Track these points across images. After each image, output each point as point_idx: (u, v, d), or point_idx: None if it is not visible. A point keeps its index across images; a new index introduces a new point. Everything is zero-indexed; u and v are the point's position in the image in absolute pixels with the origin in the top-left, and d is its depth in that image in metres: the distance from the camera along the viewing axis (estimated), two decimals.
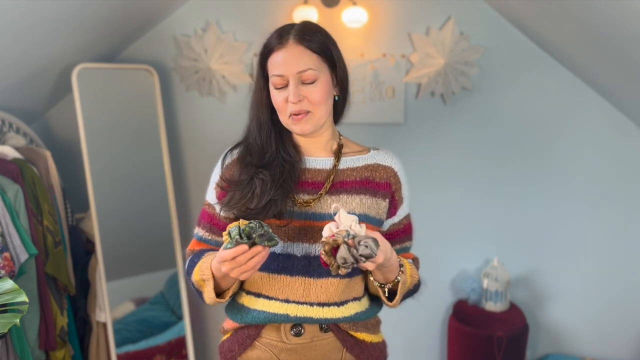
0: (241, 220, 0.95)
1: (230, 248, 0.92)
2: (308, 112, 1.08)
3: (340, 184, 1.13)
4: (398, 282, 1.08)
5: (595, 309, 2.41)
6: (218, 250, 1.19)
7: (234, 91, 2.33)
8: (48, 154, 1.93)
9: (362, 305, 1.16)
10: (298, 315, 1.09)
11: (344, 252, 0.89)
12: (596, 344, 2.43)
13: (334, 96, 1.15)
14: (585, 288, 2.40)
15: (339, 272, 0.91)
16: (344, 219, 0.94)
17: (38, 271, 1.71)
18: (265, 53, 1.11)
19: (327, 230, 0.94)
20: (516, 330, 2.15)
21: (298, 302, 1.09)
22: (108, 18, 1.93)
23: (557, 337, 2.46)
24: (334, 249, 0.91)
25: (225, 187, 1.13)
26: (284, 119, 1.11)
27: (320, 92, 1.08)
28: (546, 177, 2.34)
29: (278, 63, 1.08)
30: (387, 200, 1.15)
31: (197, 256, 1.17)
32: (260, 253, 0.94)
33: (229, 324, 1.19)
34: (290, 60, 1.07)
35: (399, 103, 2.30)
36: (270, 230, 0.95)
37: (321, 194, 1.11)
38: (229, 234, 0.93)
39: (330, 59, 1.11)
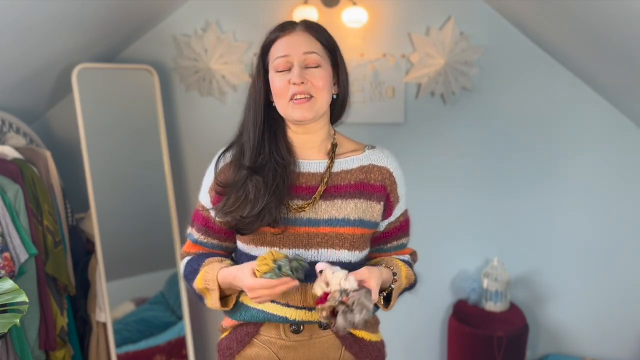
0: (274, 251, 0.99)
1: (271, 278, 0.97)
2: (311, 97, 1.06)
3: (334, 188, 1.11)
4: (392, 289, 1.09)
5: (595, 309, 2.41)
6: (214, 252, 1.20)
7: (234, 91, 2.33)
8: (48, 154, 1.92)
9: None
10: (297, 319, 1.10)
11: (342, 322, 0.92)
12: (596, 344, 2.43)
13: (332, 94, 1.13)
14: (585, 288, 2.40)
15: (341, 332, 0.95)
16: (331, 277, 0.96)
17: (38, 271, 1.71)
18: (268, 43, 1.11)
19: (319, 289, 0.97)
20: (516, 330, 2.15)
21: (297, 307, 1.09)
22: (108, 18, 1.93)
23: (557, 337, 2.46)
24: (332, 311, 0.94)
25: (220, 191, 1.11)
26: (283, 103, 1.08)
27: (324, 78, 1.07)
28: (546, 177, 2.34)
29: (283, 46, 1.07)
30: (381, 203, 1.14)
31: (196, 261, 1.17)
32: (289, 283, 0.98)
33: (227, 322, 1.19)
34: (297, 42, 1.07)
35: (399, 103, 2.30)
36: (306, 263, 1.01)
37: (315, 199, 1.10)
38: (280, 267, 0.96)
39: (333, 54, 1.12)
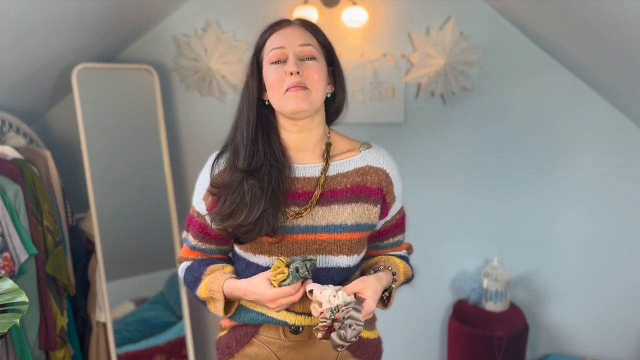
0: (282, 258, 1.01)
1: (291, 283, 0.98)
2: (306, 88, 1.03)
3: (331, 192, 1.09)
4: (392, 289, 1.10)
5: (595, 309, 2.41)
6: (213, 258, 1.20)
7: (233, 91, 2.33)
8: (48, 154, 1.92)
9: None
10: (297, 324, 1.10)
11: (337, 340, 0.93)
12: (596, 344, 2.43)
13: (327, 94, 1.11)
14: (585, 288, 2.40)
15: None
16: (320, 297, 0.97)
17: (38, 271, 1.71)
18: (263, 39, 1.10)
19: (314, 311, 0.99)
20: (516, 330, 2.15)
21: (297, 313, 1.09)
22: (108, 18, 1.93)
23: (557, 337, 2.46)
24: (328, 329, 0.95)
25: (215, 192, 1.09)
26: (278, 96, 1.05)
27: (320, 71, 1.06)
28: (546, 176, 2.34)
29: (278, 38, 1.06)
30: (378, 205, 1.12)
31: (197, 269, 1.16)
32: (307, 285, 1.01)
33: (226, 321, 1.20)
34: (292, 35, 1.06)
35: (399, 103, 2.30)
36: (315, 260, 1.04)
37: (312, 204, 1.08)
38: (297, 270, 0.98)
39: (329, 52, 1.11)
